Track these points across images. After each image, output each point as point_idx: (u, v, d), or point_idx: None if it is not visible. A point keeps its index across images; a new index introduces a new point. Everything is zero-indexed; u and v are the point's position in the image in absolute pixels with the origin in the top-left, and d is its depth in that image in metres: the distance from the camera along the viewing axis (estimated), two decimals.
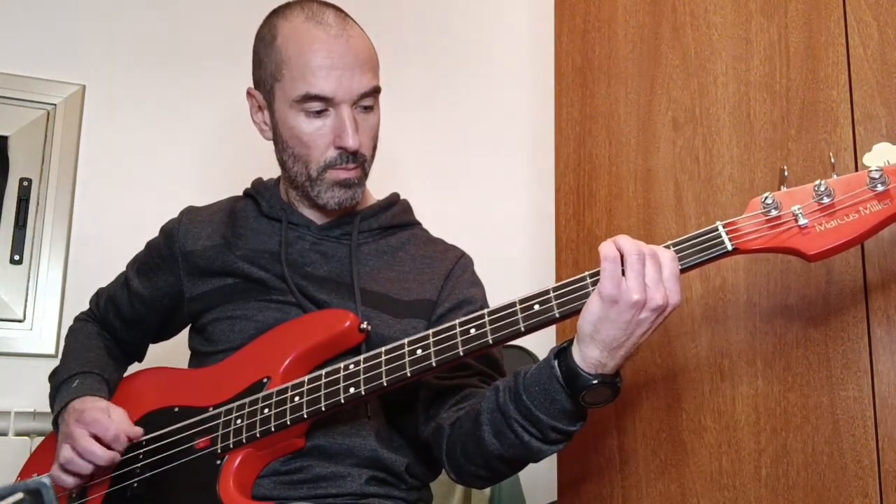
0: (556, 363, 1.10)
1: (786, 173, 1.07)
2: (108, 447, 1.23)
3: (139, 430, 1.27)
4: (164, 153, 2.15)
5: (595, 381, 1.06)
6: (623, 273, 1.03)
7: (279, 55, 1.31)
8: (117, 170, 2.11)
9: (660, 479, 1.37)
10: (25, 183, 2.03)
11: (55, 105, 2.08)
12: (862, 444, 1.16)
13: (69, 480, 1.26)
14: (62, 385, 1.36)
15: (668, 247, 1.06)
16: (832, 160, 1.11)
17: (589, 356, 1.06)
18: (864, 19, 1.24)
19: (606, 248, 1.05)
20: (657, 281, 1.03)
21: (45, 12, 2.13)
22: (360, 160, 1.33)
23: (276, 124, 1.35)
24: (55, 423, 1.34)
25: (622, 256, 1.03)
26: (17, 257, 1.99)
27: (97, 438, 1.23)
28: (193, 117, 2.19)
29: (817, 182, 1.02)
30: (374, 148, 1.37)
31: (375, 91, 1.33)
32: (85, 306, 1.56)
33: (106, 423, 1.24)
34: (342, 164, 1.31)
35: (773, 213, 1.04)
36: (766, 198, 1.04)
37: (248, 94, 1.40)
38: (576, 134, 1.63)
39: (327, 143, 1.30)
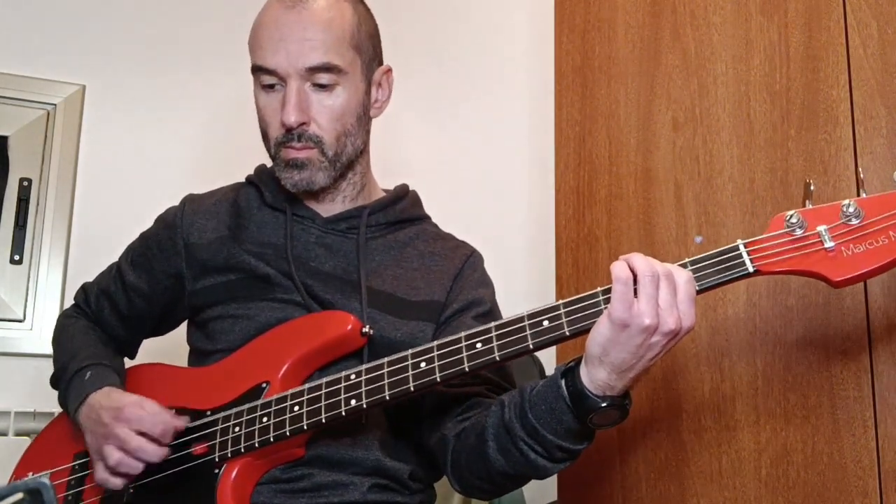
0: (562, 382, 1.06)
1: (811, 188, 1.02)
2: (156, 442, 1.19)
3: (182, 422, 1.22)
4: (165, 153, 2.15)
5: (604, 405, 1.03)
6: (635, 294, 0.99)
7: (251, 33, 1.32)
8: (117, 169, 2.11)
9: (660, 479, 1.37)
10: (25, 183, 2.03)
11: (55, 105, 2.08)
12: (862, 444, 1.16)
13: (118, 482, 1.20)
14: (74, 377, 1.30)
15: (685, 265, 1.02)
16: (861, 176, 1.04)
17: (597, 378, 1.02)
18: (864, 19, 1.24)
19: (618, 269, 1.00)
20: (670, 304, 0.99)
21: (45, 12, 2.13)
22: (311, 139, 1.27)
23: None
24: (71, 417, 1.29)
25: (635, 277, 0.99)
26: (17, 257, 1.99)
27: (143, 435, 1.18)
28: (193, 117, 2.19)
29: (846, 202, 0.97)
30: (342, 132, 1.29)
31: (327, 68, 1.25)
32: None
33: (150, 418, 1.18)
34: (290, 143, 1.27)
35: (798, 232, 0.98)
36: (790, 216, 0.99)
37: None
38: (576, 134, 1.63)
39: (279, 120, 1.27)
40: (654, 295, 0.98)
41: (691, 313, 1.00)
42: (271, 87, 1.28)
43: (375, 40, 1.37)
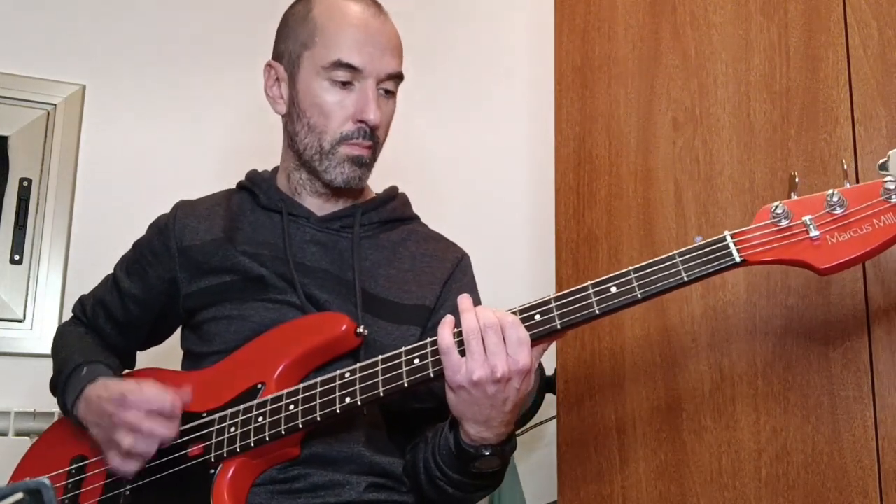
0: (451, 436, 1.17)
1: (796, 179, 1.03)
2: (167, 420, 1.20)
3: (187, 394, 1.23)
4: (164, 153, 2.15)
5: (485, 454, 1.14)
6: (464, 354, 1.06)
7: (314, 24, 1.33)
8: (117, 170, 2.11)
9: (660, 479, 1.37)
10: (25, 183, 2.03)
11: (55, 105, 2.09)
12: (862, 444, 1.16)
13: (133, 466, 1.21)
14: (70, 376, 1.31)
15: (514, 311, 1.08)
16: (845, 167, 1.06)
17: (468, 433, 1.13)
18: (864, 19, 1.24)
19: (440, 339, 1.08)
20: (496, 352, 1.05)
21: (45, 12, 2.13)
22: (374, 139, 1.33)
23: (297, 94, 1.34)
24: (70, 415, 1.30)
25: (465, 336, 1.07)
26: (17, 257, 1.99)
27: (153, 415, 1.19)
28: (193, 117, 2.19)
29: (830, 191, 0.99)
30: (385, 137, 1.38)
31: (399, 77, 1.35)
32: None
33: (157, 397, 1.19)
34: (357, 139, 1.31)
35: (784, 222, 1.01)
36: (776, 207, 1.01)
37: (267, 66, 1.39)
38: (576, 134, 1.63)
39: (347, 115, 1.31)
40: (479, 350, 1.06)
41: (521, 356, 1.06)
42: (343, 84, 1.31)
43: None
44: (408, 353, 1.13)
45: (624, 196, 1.52)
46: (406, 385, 1.12)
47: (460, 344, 1.08)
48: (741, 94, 1.37)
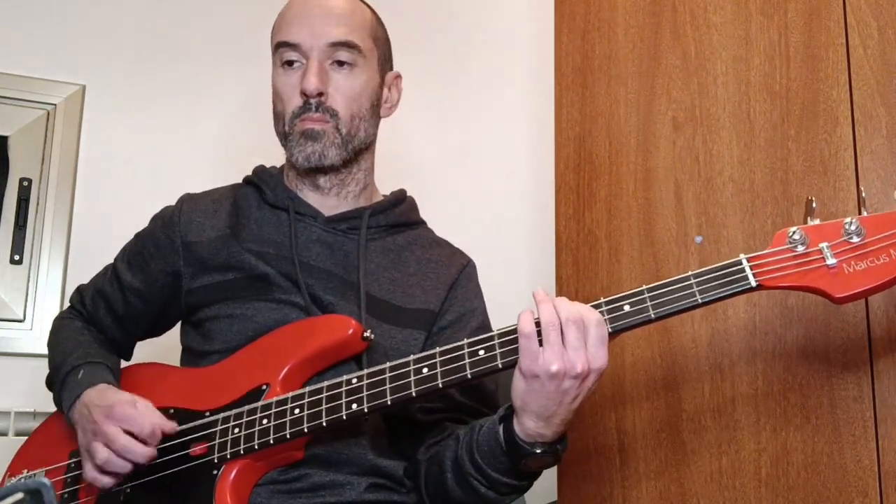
0: (500, 429, 1.13)
1: (814, 205, 1.03)
2: (144, 443, 1.17)
3: (173, 425, 1.21)
4: (165, 153, 2.15)
5: (537, 451, 1.09)
6: (542, 344, 1.03)
7: (276, 19, 1.37)
8: (117, 170, 2.11)
9: (660, 479, 1.37)
10: (25, 183, 2.03)
11: (55, 105, 2.09)
12: (862, 445, 1.16)
13: (107, 480, 1.19)
14: (67, 377, 1.30)
15: (598, 306, 1.06)
16: (863, 194, 1.06)
17: (525, 427, 1.08)
18: (864, 19, 1.24)
19: (521, 324, 1.05)
20: (577, 347, 1.03)
21: (45, 12, 2.13)
22: (328, 111, 1.30)
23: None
24: (66, 416, 1.28)
25: (544, 327, 1.04)
26: (17, 257, 1.99)
27: (132, 435, 1.17)
28: (193, 117, 2.19)
29: (848, 219, 0.99)
30: (356, 113, 1.33)
31: (349, 45, 1.31)
32: None
33: (140, 418, 1.17)
34: (306, 113, 1.30)
35: (800, 248, 1.01)
36: (793, 232, 1.01)
37: None
38: (576, 134, 1.63)
39: (297, 92, 1.31)
40: (557, 342, 1.03)
41: (600, 354, 1.03)
42: (291, 64, 1.32)
43: (388, 45, 1.42)
44: (416, 361, 1.12)
45: (624, 196, 1.52)
46: (414, 395, 1.10)
47: (538, 333, 1.05)
48: (741, 94, 1.37)
